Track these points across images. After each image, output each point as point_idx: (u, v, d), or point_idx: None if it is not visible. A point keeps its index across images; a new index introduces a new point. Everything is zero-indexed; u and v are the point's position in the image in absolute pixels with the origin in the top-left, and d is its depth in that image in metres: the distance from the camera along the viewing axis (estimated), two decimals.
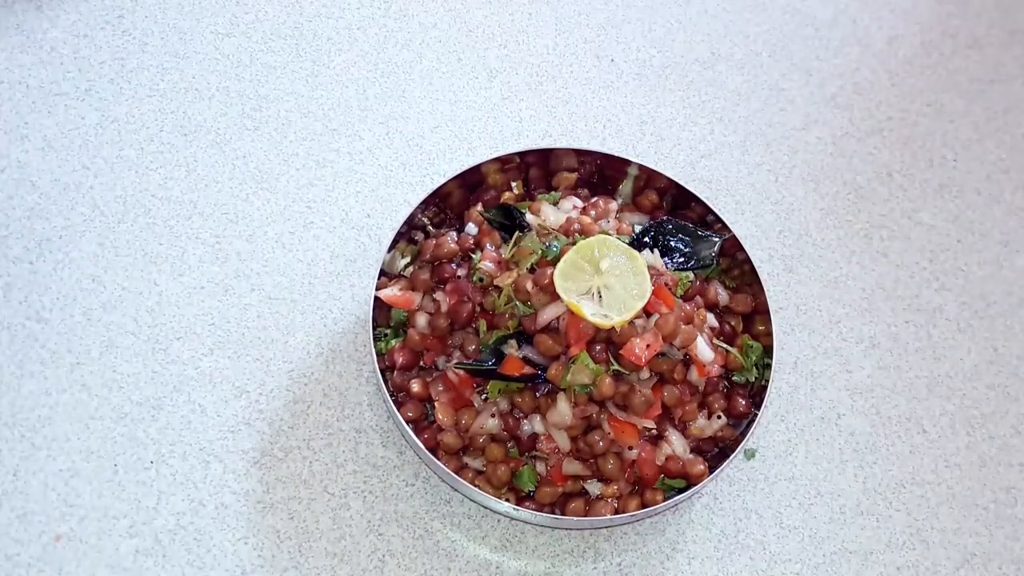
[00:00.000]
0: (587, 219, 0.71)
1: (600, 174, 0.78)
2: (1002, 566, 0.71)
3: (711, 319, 0.71)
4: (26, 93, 0.83)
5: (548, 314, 0.66)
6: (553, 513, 0.66)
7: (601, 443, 0.66)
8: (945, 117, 0.92)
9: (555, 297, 0.66)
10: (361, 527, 0.68)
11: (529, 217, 0.72)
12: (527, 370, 0.66)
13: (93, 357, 0.73)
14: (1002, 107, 0.93)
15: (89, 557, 0.66)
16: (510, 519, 0.70)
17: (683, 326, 0.67)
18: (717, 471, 0.66)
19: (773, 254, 0.83)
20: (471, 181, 0.75)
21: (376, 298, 0.70)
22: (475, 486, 0.65)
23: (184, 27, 0.88)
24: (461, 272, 0.71)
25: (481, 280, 0.69)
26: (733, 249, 0.74)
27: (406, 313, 0.71)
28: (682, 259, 0.72)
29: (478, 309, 0.69)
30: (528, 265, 0.68)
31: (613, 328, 0.65)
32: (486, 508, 0.69)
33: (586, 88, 0.91)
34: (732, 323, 0.73)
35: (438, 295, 0.70)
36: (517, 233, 0.70)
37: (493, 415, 0.67)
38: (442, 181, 0.73)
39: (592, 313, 0.64)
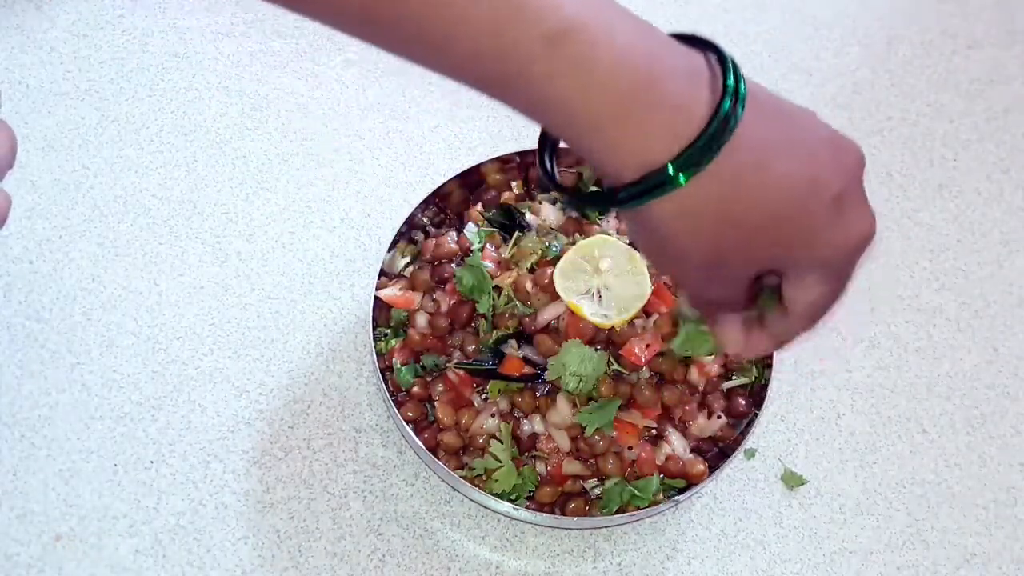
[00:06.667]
0: None
1: None
2: (1002, 566, 0.71)
3: None
4: (26, 93, 0.83)
5: (548, 314, 0.66)
6: (553, 513, 0.66)
7: (601, 443, 0.66)
8: (945, 117, 0.92)
9: (555, 297, 0.66)
10: (361, 527, 0.69)
11: (529, 217, 0.72)
12: (527, 370, 0.66)
13: (93, 357, 0.73)
14: (1002, 107, 0.93)
15: (89, 557, 0.66)
16: (510, 519, 0.70)
17: None
18: (717, 471, 0.66)
19: None
20: (471, 181, 0.75)
21: (376, 298, 0.70)
22: (475, 486, 0.65)
23: (184, 27, 0.88)
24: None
25: None
26: None
27: (406, 313, 0.71)
28: None
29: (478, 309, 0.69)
30: (528, 265, 0.68)
31: (613, 328, 0.65)
32: (486, 508, 0.69)
33: None
34: None
35: (438, 295, 0.70)
36: (517, 233, 0.70)
37: (493, 415, 0.67)
38: (442, 181, 0.73)
39: (592, 313, 0.64)
